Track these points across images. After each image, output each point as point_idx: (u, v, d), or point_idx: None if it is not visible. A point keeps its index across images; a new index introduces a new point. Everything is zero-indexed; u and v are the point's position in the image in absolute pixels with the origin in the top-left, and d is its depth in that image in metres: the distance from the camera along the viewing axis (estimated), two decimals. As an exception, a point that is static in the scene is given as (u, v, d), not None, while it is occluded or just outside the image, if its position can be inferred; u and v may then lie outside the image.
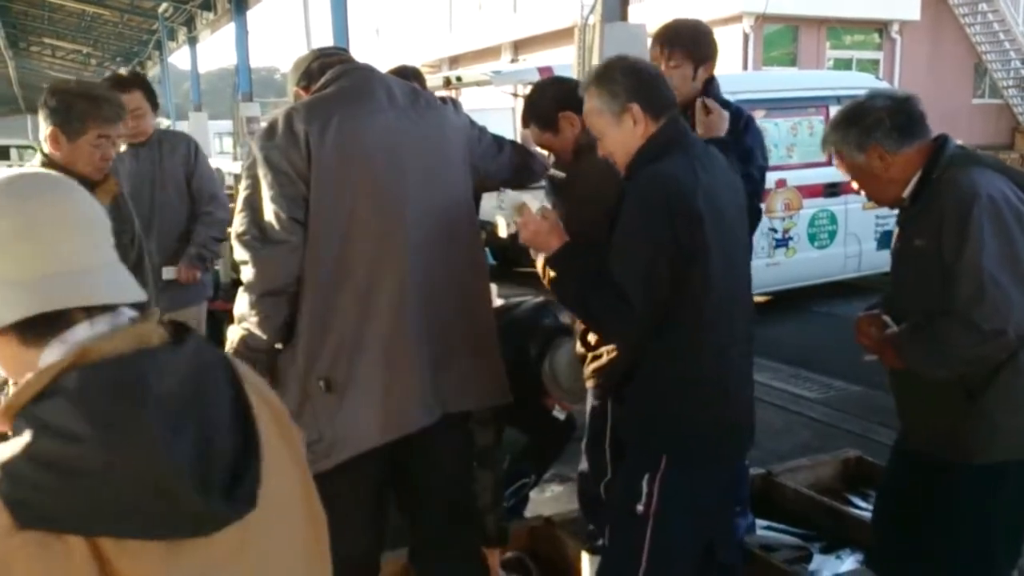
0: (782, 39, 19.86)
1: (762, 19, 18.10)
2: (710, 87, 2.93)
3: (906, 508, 2.36)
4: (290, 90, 2.37)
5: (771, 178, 7.23)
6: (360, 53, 2.55)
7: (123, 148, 3.49)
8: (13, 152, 23.93)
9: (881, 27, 20.64)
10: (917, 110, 2.17)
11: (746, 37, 18.54)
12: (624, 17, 4.76)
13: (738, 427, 2.19)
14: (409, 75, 3.08)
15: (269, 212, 2.09)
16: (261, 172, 2.10)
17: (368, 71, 2.26)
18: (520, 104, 8.53)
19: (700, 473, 2.12)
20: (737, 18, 18.20)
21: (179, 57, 24.06)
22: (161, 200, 3.72)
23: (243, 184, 2.18)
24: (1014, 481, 2.15)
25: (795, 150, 6.82)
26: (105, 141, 2.62)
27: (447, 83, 8.17)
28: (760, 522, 3.24)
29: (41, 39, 26.48)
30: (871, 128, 2.12)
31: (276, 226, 2.08)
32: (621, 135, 2.09)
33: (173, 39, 21.20)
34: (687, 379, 2.07)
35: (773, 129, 6.70)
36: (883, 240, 7.05)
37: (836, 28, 20.10)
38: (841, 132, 2.19)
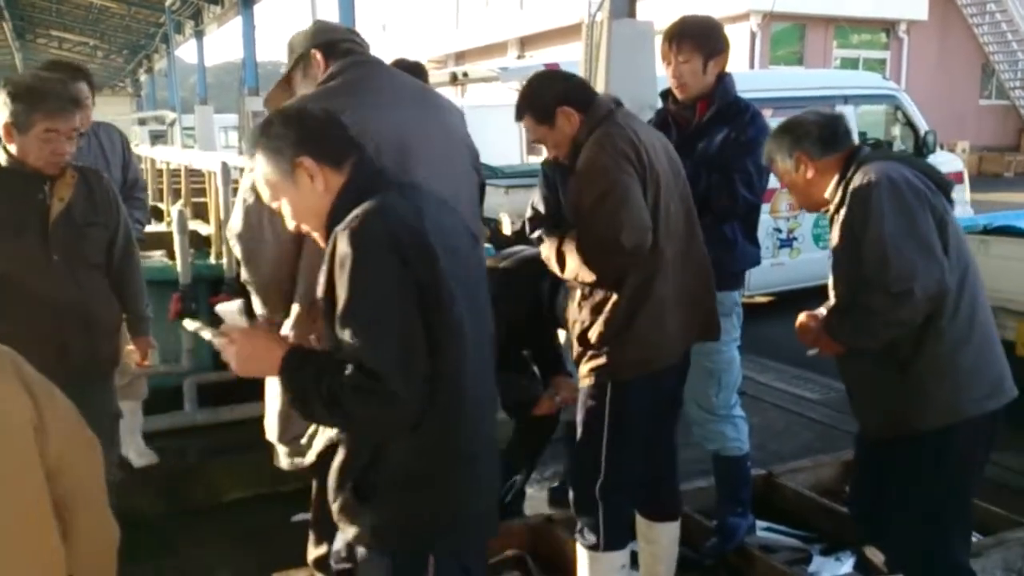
0: (789, 38, 19.81)
1: (769, 17, 18.04)
2: (723, 82, 2.94)
3: (876, 499, 2.47)
4: (303, 46, 2.26)
5: (775, 178, 7.24)
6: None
7: (82, 144, 3.48)
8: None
9: (888, 27, 20.58)
10: (843, 127, 2.44)
11: (753, 35, 18.51)
12: (632, 14, 4.74)
13: (491, 495, 1.82)
14: (408, 69, 3.05)
15: (267, 210, 2.05)
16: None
17: (377, 65, 2.24)
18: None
19: (470, 559, 1.77)
20: (744, 16, 18.16)
21: (185, 50, 24.13)
22: None
23: (244, 177, 2.18)
24: (959, 445, 2.28)
25: (801, 150, 6.79)
26: (54, 135, 2.55)
27: (454, 79, 8.15)
28: (760, 523, 3.24)
29: (48, 31, 26.49)
30: (800, 138, 2.39)
31: (273, 225, 2.07)
32: (302, 197, 1.72)
33: (180, 32, 21.18)
34: (450, 449, 1.67)
35: (779, 128, 6.67)
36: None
37: (843, 27, 20.04)
38: (776, 141, 2.45)
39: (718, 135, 2.91)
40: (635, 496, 2.64)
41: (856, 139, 2.53)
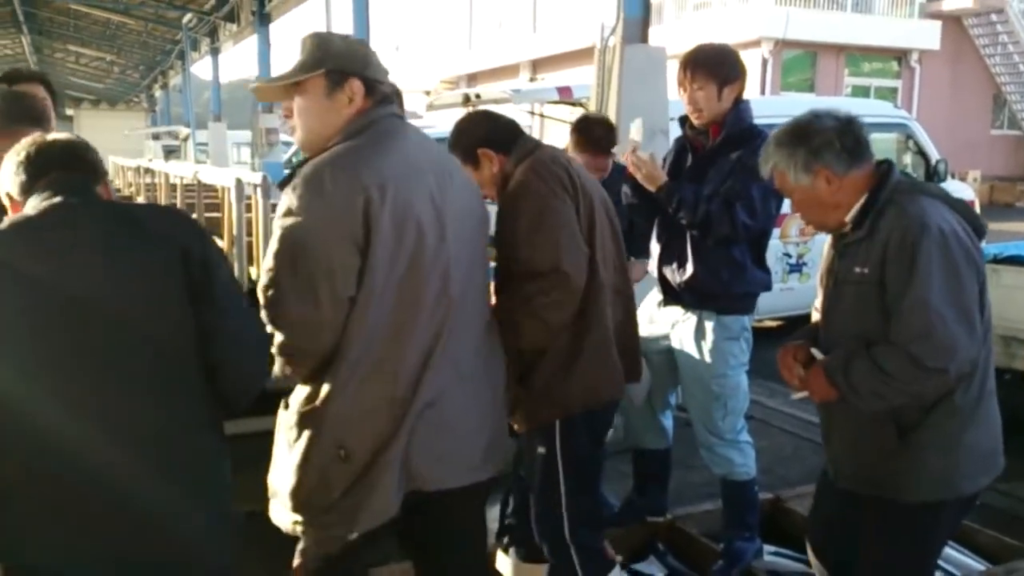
0: (800, 65, 19.90)
1: (781, 44, 18.16)
2: (737, 109, 2.96)
3: (837, 543, 2.33)
4: (341, 63, 1.97)
5: (786, 203, 7.24)
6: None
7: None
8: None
9: (900, 55, 20.66)
10: (863, 133, 2.08)
11: (764, 62, 18.60)
12: (644, 40, 4.78)
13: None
14: None
15: (322, 285, 1.84)
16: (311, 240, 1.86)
17: (401, 123, 2.06)
18: (537, 123, 8.49)
19: None
20: (756, 43, 18.26)
21: (201, 67, 24.34)
22: None
23: (277, 235, 1.87)
24: (945, 521, 2.15)
25: (811, 176, 6.80)
26: None
27: (467, 100, 8.20)
28: (768, 547, 3.22)
29: (66, 46, 26.82)
30: (820, 149, 2.03)
31: (327, 302, 1.85)
32: None
33: (196, 49, 21.41)
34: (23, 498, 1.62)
35: (790, 154, 6.69)
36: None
37: (855, 55, 20.12)
38: (786, 152, 2.08)
39: (728, 160, 2.93)
40: (602, 522, 2.59)
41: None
